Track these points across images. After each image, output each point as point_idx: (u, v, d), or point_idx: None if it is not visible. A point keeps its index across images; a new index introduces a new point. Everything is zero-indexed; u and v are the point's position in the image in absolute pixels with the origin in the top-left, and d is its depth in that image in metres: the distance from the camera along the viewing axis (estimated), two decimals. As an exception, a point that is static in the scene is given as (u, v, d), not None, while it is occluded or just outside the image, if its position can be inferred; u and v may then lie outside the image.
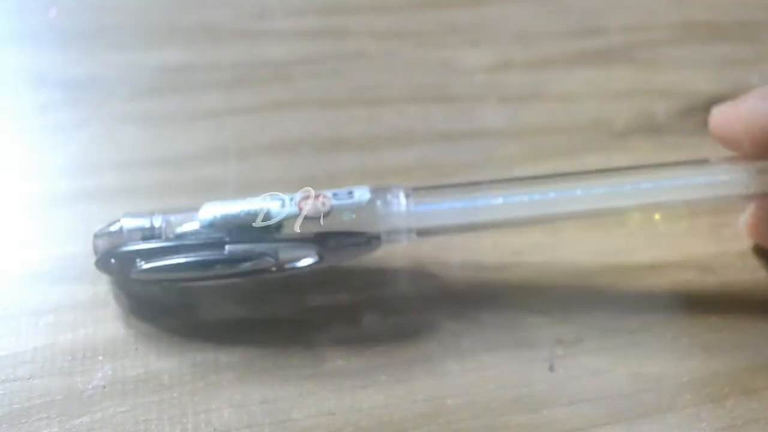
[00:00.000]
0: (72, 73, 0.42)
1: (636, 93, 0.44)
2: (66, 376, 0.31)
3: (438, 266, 0.35)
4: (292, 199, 0.32)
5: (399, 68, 0.44)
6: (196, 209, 0.32)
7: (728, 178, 0.34)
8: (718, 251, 0.37)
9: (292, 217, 0.32)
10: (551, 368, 0.32)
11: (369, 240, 0.33)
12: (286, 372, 0.32)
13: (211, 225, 0.32)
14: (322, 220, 0.32)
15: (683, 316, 0.35)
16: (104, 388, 0.31)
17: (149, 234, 0.32)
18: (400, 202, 0.33)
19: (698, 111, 0.42)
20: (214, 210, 0.32)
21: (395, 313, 0.34)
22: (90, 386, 0.31)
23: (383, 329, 0.33)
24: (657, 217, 0.37)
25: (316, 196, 0.32)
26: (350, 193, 0.33)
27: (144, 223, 0.32)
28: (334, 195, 0.32)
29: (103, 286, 0.33)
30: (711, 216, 0.38)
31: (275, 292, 0.34)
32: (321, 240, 0.32)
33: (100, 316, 0.33)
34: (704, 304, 0.35)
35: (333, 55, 0.44)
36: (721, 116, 0.35)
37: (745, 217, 0.36)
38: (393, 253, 0.35)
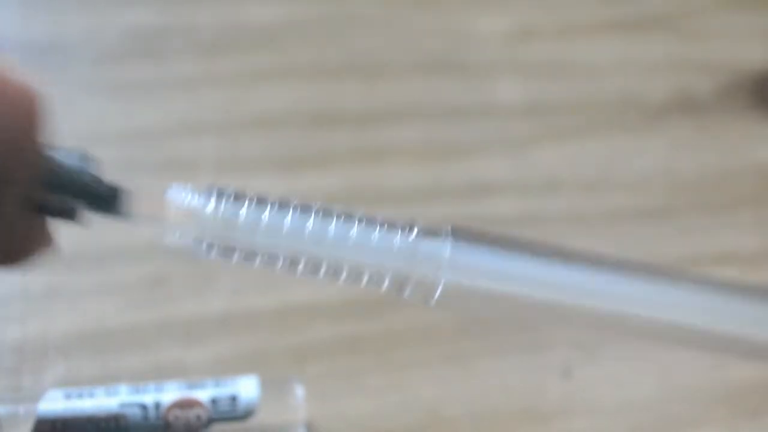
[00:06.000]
0: (31, 35, 0.42)
1: (674, 66, 0.43)
2: (12, 374, 0.31)
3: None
4: (158, 406, 0.28)
5: (401, 34, 0.44)
6: (36, 398, 0.29)
7: None
8: (762, 245, 0.37)
9: None
10: (566, 375, 0.32)
11: None
12: (262, 374, 0.31)
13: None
14: None
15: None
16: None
17: None
18: (296, 398, 0.30)
19: (746, 88, 0.42)
20: (56, 404, 0.28)
21: (387, 311, 0.34)
22: (39, 386, 0.31)
23: (373, 328, 0.33)
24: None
25: (189, 404, 0.29)
26: (233, 398, 0.29)
27: None
28: (213, 402, 0.29)
29: (57, 275, 0.33)
30: (755, 208, 0.38)
31: (255, 285, 0.34)
32: None
33: (54, 308, 0.33)
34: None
35: (326, 18, 0.44)
36: None
37: None
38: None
